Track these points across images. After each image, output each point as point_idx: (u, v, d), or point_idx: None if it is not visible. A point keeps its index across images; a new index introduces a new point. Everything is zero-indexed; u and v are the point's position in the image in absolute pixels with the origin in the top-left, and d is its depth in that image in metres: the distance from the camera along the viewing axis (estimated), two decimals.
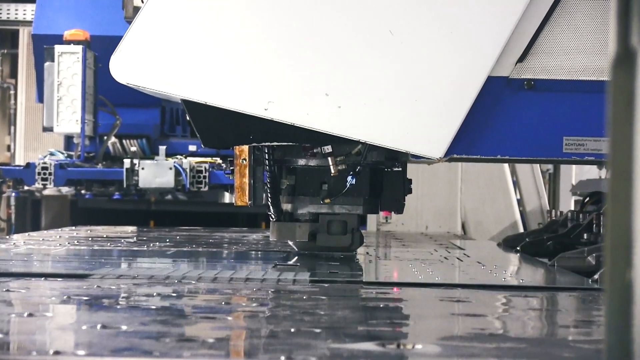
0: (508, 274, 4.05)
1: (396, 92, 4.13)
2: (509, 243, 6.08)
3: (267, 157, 4.41)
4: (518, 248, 5.44)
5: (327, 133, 4.15)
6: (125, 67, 4.18)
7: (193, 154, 8.72)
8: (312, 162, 4.49)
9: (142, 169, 8.05)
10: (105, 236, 5.96)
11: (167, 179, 8.04)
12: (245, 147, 4.40)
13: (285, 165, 4.56)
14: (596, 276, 3.78)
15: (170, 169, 8.02)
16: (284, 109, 4.13)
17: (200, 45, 4.16)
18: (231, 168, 4.45)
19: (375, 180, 4.57)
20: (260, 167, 4.46)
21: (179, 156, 8.36)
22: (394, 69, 4.12)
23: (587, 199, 5.97)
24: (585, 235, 5.15)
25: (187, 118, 4.33)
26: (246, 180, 4.40)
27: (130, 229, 7.25)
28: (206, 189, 8.13)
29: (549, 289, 3.59)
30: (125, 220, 9.51)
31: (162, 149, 8.14)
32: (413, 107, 4.12)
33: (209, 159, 8.29)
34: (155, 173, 8.04)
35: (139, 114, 9.01)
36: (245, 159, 4.40)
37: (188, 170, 8.00)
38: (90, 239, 5.66)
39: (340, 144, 4.33)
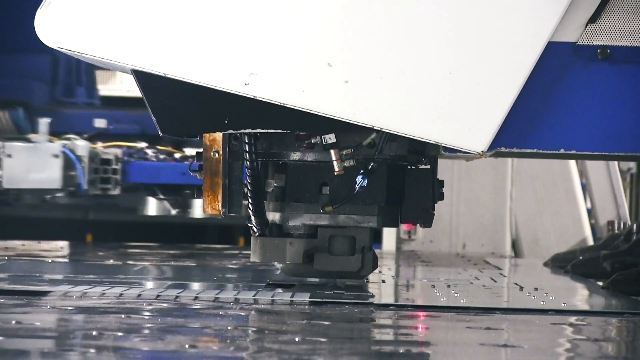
0: (549, 298, 4.22)
1: (423, 63, 4.14)
2: (557, 262, 6.45)
3: (247, 149, 4.42)
4: (568, 268, 5.73)
5: (330, 117, 4.17)
6: (55, 27, 4.19)
7: (100, 134, 7.36)
8: (309, 157, 4.50)
9: (8, 156, 6.63)
10: None
11: (49, 174, 6.58)
12: (219, 136, 4.41)
13: (273, 160, 4.57)
14: None
15: (56, 156, 6.58)
16: (270, 83, 4.15)
17: None
18: (199, 163, 4.46)
19: (395, 181, 4.58)
20: (239, 162, 4.47)
21: (72, 136, 7.02)
22: (420, 32, 4.13)
23: None
24: None
25: (141, 94, 4.34)
26: (219, 180, 4.41)
27: (61, 244, 7.17)
28: (117, 191, 6.86)
29: (595, 313, 3.83)
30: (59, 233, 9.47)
31: (44, 122, 6.72)
32: (446, 83, 4.14)
33: (125, 143, 6.98)
34: (30, 164, 6.58)
35: (11, 65, 7.71)
36: (218, 152, 4.41)
37: (87, 160, 6.65)
38: None
39: (348, 132, 4.34)
